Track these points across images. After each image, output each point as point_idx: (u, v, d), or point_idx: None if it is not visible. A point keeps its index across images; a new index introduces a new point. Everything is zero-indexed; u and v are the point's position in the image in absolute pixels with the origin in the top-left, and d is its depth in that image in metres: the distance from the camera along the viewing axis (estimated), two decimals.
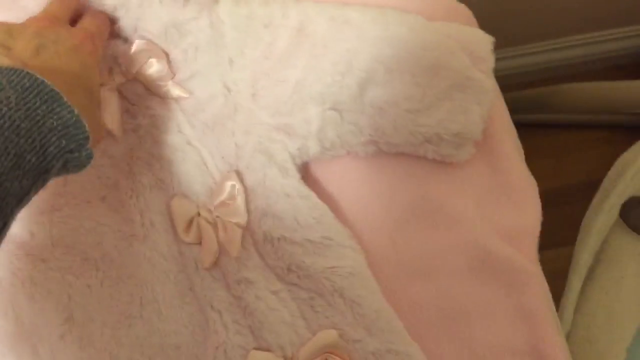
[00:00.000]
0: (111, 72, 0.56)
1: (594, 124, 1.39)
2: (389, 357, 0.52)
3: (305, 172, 0.60)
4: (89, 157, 0.45)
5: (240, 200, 0.55)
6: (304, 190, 0.56)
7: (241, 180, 0.56)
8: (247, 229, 0.56)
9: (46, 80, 0.42)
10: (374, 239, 0.59)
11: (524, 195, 0.62)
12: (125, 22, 0.55)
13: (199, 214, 0.56)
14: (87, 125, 0.44)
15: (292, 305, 0.54)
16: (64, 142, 0.42)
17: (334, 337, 0.52)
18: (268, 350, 0.52)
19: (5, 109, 0.40)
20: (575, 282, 0.91)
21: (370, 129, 0.57)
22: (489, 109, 0.59)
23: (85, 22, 0.53)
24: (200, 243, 0.56)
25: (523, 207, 0.61)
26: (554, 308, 0.59)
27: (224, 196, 0.56)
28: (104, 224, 0.56)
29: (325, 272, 0.54)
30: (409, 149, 0.58)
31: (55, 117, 0.42)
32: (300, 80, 0.56)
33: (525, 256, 0.59)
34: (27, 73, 0.42)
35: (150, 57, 0.55)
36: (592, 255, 0.93)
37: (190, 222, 0.55)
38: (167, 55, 0.56)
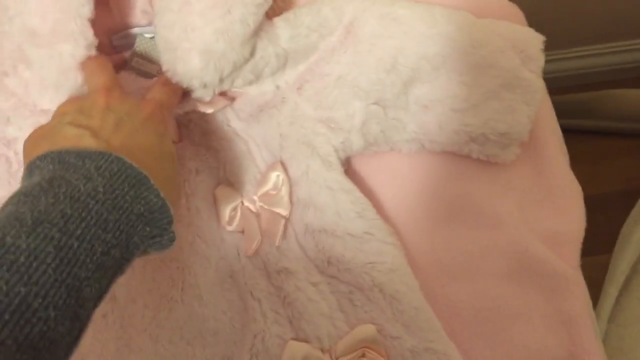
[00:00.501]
0: None
1: (632, 132, 1.36)
2: (427, 356, 0.52)
3: (348, 166, 0.60)
4: (172, 240, 0.44)
5: (284, 191, 0.56)
6: (347, 184, 0.56)
7: (286, 171, 0.56)
8: (289, 220, 0.56)
9: (134, 164, 0.41)
10: (414, 236, 0.59)
11: (568, 200, 0.61)
12: (209, 92, 0.55)
13: (242, 203, 0.56)
14: (171, 206, 0.42)
15: (331, 298, 0.54)
16: (148, 229, 0.41)
17: (372, 331, 0.52)
18: (305, 341, 0.52)
19: (92, 202, 0.38)
20: (611, 292, 0.90)
21: (415, 126, 0.57)
22: (537, 110, 0.58)
23: (155, 92, 0.51)
24: (242, 231, 0.56)
25: (566, 212, 0.60)
26: (594, 316, 0.58)
27: (268, 186, 0.56)
28: None
29: (365, 267, 0.54)
30: (453, 148, 0.58)
31: (142, 202, 0.40)
32: (344, 75, 0.56)
33: (566, 262, 0.58)
34: (116, 157, 0.40)
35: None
36: (629, 265, 0.91)
37: (234, 210, 0.56)
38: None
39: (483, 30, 0.57)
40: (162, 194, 0.41)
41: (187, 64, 0.52)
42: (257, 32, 0.53)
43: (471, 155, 0.59)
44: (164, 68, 0.53)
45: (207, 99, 0.55)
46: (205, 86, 0.53)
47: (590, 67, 1.26)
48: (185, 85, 0.53)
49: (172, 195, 0.44)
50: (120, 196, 0.39)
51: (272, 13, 0.56)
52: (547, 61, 0.59)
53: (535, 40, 0.58)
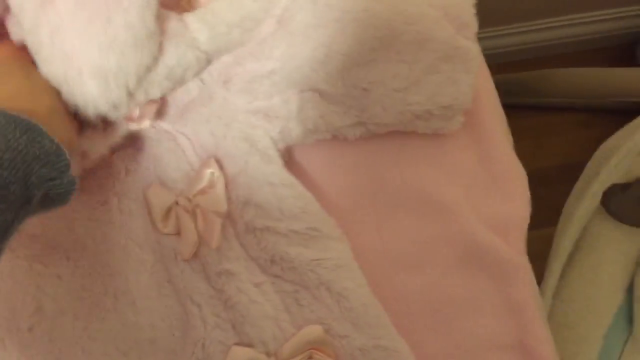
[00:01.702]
0: None
1: (572, 106, 1.39)
2: (376, 353, 0.51)
3: (289, 159, 0.57)
4: (72, 184, 0.44)
5: (219, 188, 0.53)
6: (288, 178, 0.54)
7: (221, 168, 0.53)
8: (228, 218, 0.53)
9: (18, 114, 0.41)
10: (360, 228, 0.57)
11: (513, 186, 0.60)
12: (124, 111, 0.50)
13: (177, 203, 0.53)
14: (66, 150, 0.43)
15: (276, 299, 0.51)
16: (45, 170, 0.42)
17: (319, 332, 0.50)
18: (250, 345, 0.50)
19: None
20: (555, 268, 0.91)
21: (357, 110, 0.55)
22: (475, 76, 0.56)
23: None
24: (178, 233, 0.53)
25: (512, 197, 0.60)
26: (540, 301, 0.59)
27: (202, 184, 0.53)
28: (76, 210, 0.53)
29: (311, 264, 0.51)
30: (398, 127, 0.56)
31: (37, 145, 0.41)
32: (277, 69, 0.53)
33: (513, 247, 0.58)
34: (1, 112, 0.41)
35: None
36: (572, 241, 0.92)
37: (168, 211, 0.53)
38: None
39: (415, 3, 0.55)
40: (55, 140, 0.42)
41: (85, 92, 0.47)
42: (157, 32, 0.48)
43: (417, 130, 0.57)
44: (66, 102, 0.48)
45: (125, 114, 0.50)
46: (115, 107, 0.48)
47: (528, 43, 1.26)
48: (94, 112, 0.48)
49: (62, 128, 0.45)
50: (13, 139, 0.40)
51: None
52: (485, 38, 0.57)
53: (467, 6, 0.56)
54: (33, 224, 0.52)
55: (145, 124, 0.52)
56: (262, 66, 0.53)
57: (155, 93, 0.49)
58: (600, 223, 0.94)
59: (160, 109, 0.54)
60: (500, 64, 1.29)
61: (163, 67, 0.49)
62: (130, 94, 0.48)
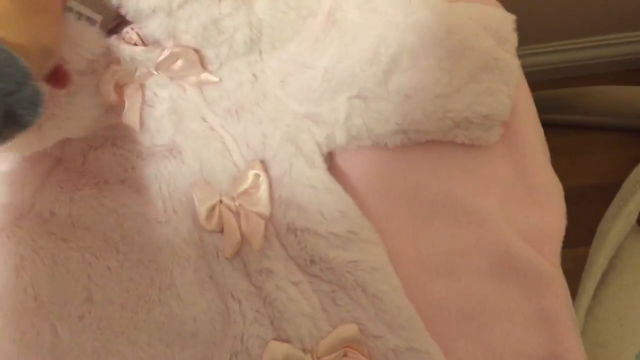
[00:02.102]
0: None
1: (608, 126, 1.38)
2: (409, 355, 0.52)
3: (331, 163, 0.59)
4: (36, 94, 0.40)
5: (263, 190, 0.55)
6: (330, 182, 0.55)
7: (266, 170, 0.55)
8: (270, 219, 0.55)
9: None
10: (396, 234, 0.58)
11: (548, 198, 0.61)
12: (161, 26, 0.53)
13: (221, 202, 0.55)
14: (24, 57, 0.39)
15: (313, 298, 0.53)
16: (1, 84, 0.38)
17: (355, 331, 0.52)
18: (287, 341, 0.52)
19: None
20: (589, 286, 0.91)
21: (398, 118, 0.56)
22: (515, 89, 0.58)
23: None
24: (221, 231, 0.55)
25: (547, 209, 0.60)
26: (574, 313, 0.59)
27: (247, 185, 0.55)
28: (125, 205, 0.55)
29: (348, 265, 0.53)
30: (438, 136, 0.58)
31: None
32: (329, 68, 0.55)
33: (547, 259, 0.58)
34: None
35: (179, 59, 0.54)
36: (607, 259, 0.92)
37: (212, 210, 0.55)
38: (199, 54, 0.55)
39: (456, 15, 0.57)
40: (5, 47, 0.38)
41: None
42: None
43: (456, 140, 0.58)
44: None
45: (162, 36, 0.52)
46: (154, 11, 0.51)
47: (566, 62, 1.26)
48: (133, 12, 0.50)
49: (21, 29, 0.40)
50: None
51: None
52: (523, 55, 0.59)
53: (507, 21, 0.58)
54: (86, 217, 0.55)
55: (184, 73, 0.53)
56: (314, 61, 0.55)
57: (194, 29, 0.52)
58: (636, 242, 0.93)
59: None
60: (537, 82, 1.29)
61: (215, 11, 0.51)
62: (171, 11, 0.50)
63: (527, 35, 0.59)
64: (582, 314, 0.90)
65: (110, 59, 0.53)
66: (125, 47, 0.53)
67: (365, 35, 0.55)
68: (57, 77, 0.49)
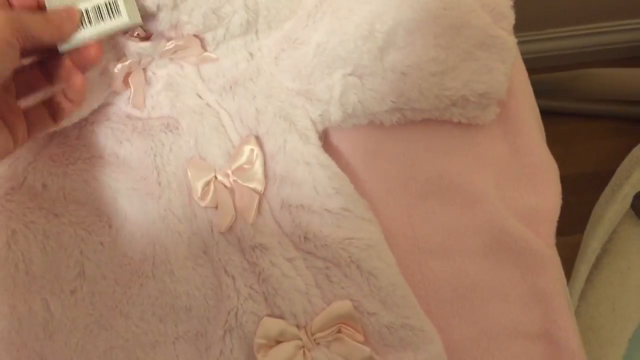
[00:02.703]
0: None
1: (602, 114, 1.38)
2: (403, 332, 0.52)
3: (326, 141, 0.59)
4: None
5: (258, 165, 0.54)
6: (325, 159, 0.55)
7: (260, 145, 0.55)
8: (264, 195, 0.55)
9: None
10: (391, 213, 0.58)
11: (544, 178, 0.61)
12: (165, 19, 0.52)
13: (215, 178, 0.55)
14: None
15: (307, 274, 0.53)
16: None
17: (349, 308, 0.51)
18: (281, 317, 0.51)
19: None
20: (582, 270, 0.91)
21: (393, 96, 0.56)
22: (512, 67, 0.57)
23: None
24: (216, 207, 0.55)
25: (543, 189, 0.60)
26: (568, 293, 0.59)
27: (242, 160, 0.54)
28: (119, 180, 0.55)
29: (343, 242, 0.53)
30: (434, 114, 0.57)
31: None
32: (322, 43, 0.54)
33: (542, 239, 0.58)
34: None
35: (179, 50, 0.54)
36: (601, 244, 0.92)
37: (206, 185, 0.54)
38: (199, 39, 0.55)
39: None
40: None
41: None
42: None
43: (453, 119, 0.58)
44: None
45: (165, 27, 0.52)
46: (159, 7, 0.51)
47: (565, 48, 1.26)
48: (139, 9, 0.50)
49: None
50: None
51: None
52: (522, 42, 0.58)
53: None
54: (79, 192, 0.54)
55: (188, 51, 0.53)
56: (307, 36, 0.54)
57: (196, 19, 0.52)
58: (629, 227, 0.93)
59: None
60: (532, 70, 1.29)
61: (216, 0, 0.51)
62: (176, 5, 0.50)
63: (523, 22, 0.59)
64: (575, 298, 0.90)
65: (118, 54, 0.53)
66: (132, 43, 0.52)
67: (360, 10, 0.54)
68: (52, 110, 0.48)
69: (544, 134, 0.64)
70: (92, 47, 0.46)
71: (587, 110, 1.38)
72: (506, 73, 0.56)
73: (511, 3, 0.57)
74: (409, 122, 0.59)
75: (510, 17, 0.57)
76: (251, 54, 0.56)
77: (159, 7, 0.51)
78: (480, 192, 0.59)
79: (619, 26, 1.25)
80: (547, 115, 1.32)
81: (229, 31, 0.53)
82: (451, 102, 0.56)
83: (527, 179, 0.61)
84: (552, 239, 0.59)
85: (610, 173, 1.04)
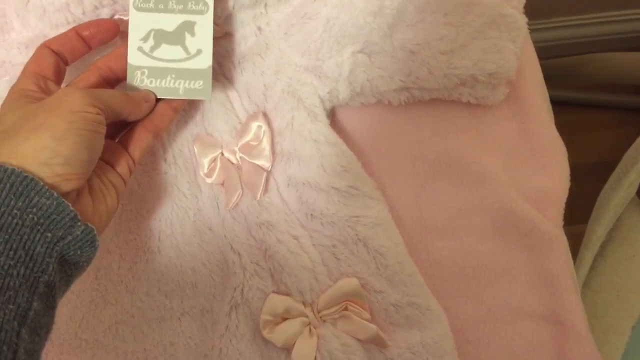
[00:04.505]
0: None
1: (607, 104, 1.37)
2: (410, 310, 0.51)
3: (333, 119, 0.58)
4: (88, 232, 0.40)
5: (265, 142, 0.54)
6: (333, 136, 0.55)
7: (268, 122, 0.54)
8: (271, 172, 0.54)
9: (17, 168, 0.38)
10: (398, 192, 0.58)
11: (552, 160, 0.60)
12: None
13: (222, 154, 0.54)
14: (71, 203, 0.39)
15: (314, 252, 0.52)
16: (49, 234, 0.38)
17: (356, 285, 0.51)
18: (287, 294, 0.51)
19: None
20: (587, 257, 0.90)
21: (402, 75, 0.55)
22: (522, 47, 0.57)
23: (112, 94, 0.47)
24: (222, 183, 0.54)
25: (551, 171, 0.60)
26: (574, 275, 0.59)
27: (249, 137, 0.54)
28: None
29: (350, 220, 0.52)
30: (443, 94, 0.57)
31: (34, 210, 0.38)
32: (331, 18, 0.54)
33: (550, 220, 0.58)
34: None
35: None
36: (606, 231, 0.92)
37: (213, 162, 0.54)
38: None
39: None
40: (54, 194, 0.38)
41: None
42: None
43: (461, 99, 0.57)
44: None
45: None
46: None
47: (572, 37, 1.25)
48: None
49: (77, 150, 0.40)
50: (6, 213, 0.37)
51: None
52: (529, 31, 0.58)
53: None
54: None
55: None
56: (316, 10, 0.53)
57: None
58: (635, 214, 0.93)
59: None
60: (540, 58, 1.28)
61: None
62: None
63: (530, 10, 0.58)
64: (579, 285, 0.89)
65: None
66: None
67: None
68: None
69: (552, 115, 0.63)
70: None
71: (591, 100, 1.37)
72: (516, 52, 0.56)
73: None
74: (417, 101, 0.58)
75: None
76: (260, 29, 0.55)
77: None
78: (488, 172, 0.58)
79: (627, 15, 1.24)
80: (552, 104, 1.32)
81: (238, 1, 0.53)
82: (460, 82, 0.56)
83: (535, 160, 0.60)
84: (559, 221, 0.59)
85: (614, 163, 1.04)
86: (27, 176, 0.38)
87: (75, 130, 0.40)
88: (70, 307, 0.51)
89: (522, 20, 0.56)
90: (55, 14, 0.49)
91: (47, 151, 0.39)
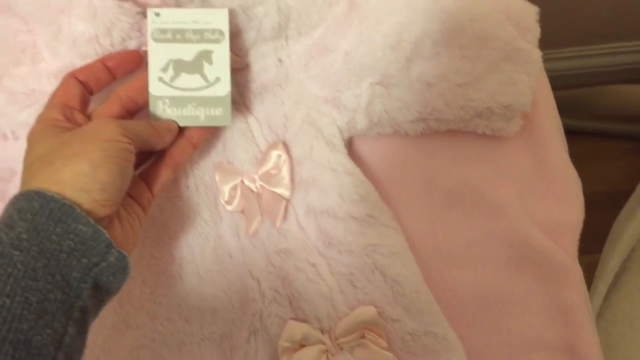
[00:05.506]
0: None
1: (619, 134, 1.37)
2: (426, 339, 0.52)
3: (350, 149, 0.59)
4: (121, 259, 0.42)
5: (285, 171, 0.55)
6: (351, 166, 0.56)
7: (287, 151, 0.56)
8: (290, 200, 0.55)
9: (56, 194, 0.39)
10: (414, 221, 0.59)
11: (567, 190, 0.61)
12: None
13: (242, 182, 0.55)
14: (106, 230, 0.41)
15: (331, 279, 0.53)
16: (84, 260, 0.40)
17: (373, 314, 0.52)
18: (305, 321, 0.52)
19: (17, 253, 0.37)
20: (600, 287, 0.90)
21: (418, 106, 0.56)
22: (536, 80, 0.58)
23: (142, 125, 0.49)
24: (242, 211, 0.55)
25: (566, 202, 0.61)
26: (590, 306, 0.59)
27: (269, 165, 0.55)
28: None
29: (367, 249, 0.53)
30: (459, 125, 0.58)
31: (71, 235, 0.39)
32: (350, 51, 0.55)
33: (565, 251, 0.59)
34: (36, 193, 0.39)
35: None
36: (619, 262, 0.91)
37: (233, 189, 0.55)
38: None
39: (480, 4, 0.57)
40: (91, 221, 0.40)
41: None
42: None
43: (477, 130, 0.58)
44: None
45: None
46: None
47: (584, 67, 1.26)
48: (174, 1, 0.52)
49: (112, 178, 0.42)
50: (45, 238, 0.38)
51: None
52: (544, 60, 0.59)
53: (530, 12, 0.58)
54: None
55: None
56: (335, 43, 0.55)
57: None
58: None
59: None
60: (552, 88, 1.29)
61: None
62: None
63: (542, 39, 0.59)
64: (593, 316, 0.89)
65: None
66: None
67: (388, 20, 0.55)
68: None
69: (566, 146, 0.64)
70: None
71: (603, 129, 1.38)
72: (531, 85, 0.57)
73: (537, 17, 0.58)
74: (433, 132, 0.59)
75: (535, 31, 0.58)
76: (280, 60, 0.56)
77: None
78: (503, 202, 0.59)
79: (636, 47, 1.25)
80: (565, 133, 1.32)
81: (260, 34, 0.54)
82: (476, 114, 0.57)
83: (550, 191, 0.61)
84: (574, 252, 0.59)
85: (626, 193, 1.04)
86: (65, 203, 0.39)
87: (109, 158, 0.42)
88: (92, 330, 0.51)
89: (537, 54, 0.57)
90: (84, 45, 0.51)
91: (84, 177, 0.41)
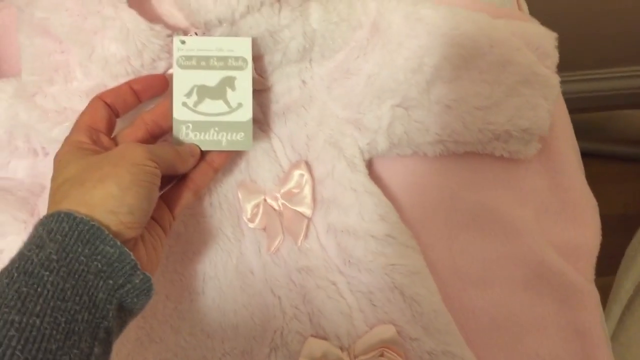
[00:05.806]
0: None
1: (633, 157, 1.38)
2: (444, 359, 0.52)
3: (370, 170, 0.60)
4: (145, 281, 0.43)
5: (307, 190, 0.56)
6: (371, 186, 0.57)
7: (309, 170, 0.57)
8: (311, 218, 0.56)
9: (85, 217, 0.40)
10: (432, 242, 0.59)
11: (584, 213, 0.62)
12: (224, 35, 0.54)
13: (265, 200, 0.57)
14: (132, 252, 0.42)
15: (351, 297, 0.54)
16: (110, 282, 0.41)
17: (393, 332, 0.52)
18: (325, 338, 0.53)
19: (47, 274, 0.38)
20: (615, 311, 0.90)
21: (437, 128, 0.57)
22: (554, 104, 0.59)
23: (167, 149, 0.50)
24: (264, 228, 0.56)
25: (582, 225, 0.61)
26: (606, 329, 0.59)
27: (291, 184, 0.56)
28: None
29: (387, 268, 0.54)
30: (477, 147, 0.59)
31: (98, 257, 0.40)
32: (372, 74, 0.57)
33: (581, 274, 0.59)
34: (65, 215, 0.40)
35: None
36: (634, 285, 0.92)
37: (256, 207, 0.56)
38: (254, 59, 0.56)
39: (499, 30, 0.58)
40: (117, 242, 0.41)
41: None
42: None
43: (495, 153, 0.59)
44: (181, 11, 0.53)
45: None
46: (220, 22, 0.53)
47: (599, 90, 1.27)
48: (201, 20, 0.53)
49: (139, 201, 0.43)
50: (74, 259, 0.39)
51: None
52: (560, 82, 0.60)
53: (548, 38, 0.59)
54: None
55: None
56: (358, 67, 0.56)
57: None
58: None
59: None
60: (571, 110, 1.30)
61: (275, 22, 0.54)
62: (234, 20, 0.53)
63: (561, 62, 0.61)
64: (609, 339, 0.89)
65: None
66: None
67: (410, 44, 0.57)
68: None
69: (583, 170, 0.65)
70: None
71: (617, 152, 1.38)
72: (549, 109, 0.58)
73: (555, 43, 0.59)
74: (451, 154, 0.60)
75: (554, 57, 0.59)
76: (304, 82, 0.58)
77: (220, 21, 0.53)
78: (520, 224, 0.60)
79: None
80: None
81: (286, 56, 0.56)
82: (494, 136, 0.58)
83: (566, 214, 0.62)
84: (591, 274, 0.60)
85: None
86: (93, 225, 0.40)
87: (137, 182, 0.43)
88: (116, 344, 0.53)
89: (555, 79, 0.59)
90: (116, 65, 0.53)
91: (113, 200, 0.42)
